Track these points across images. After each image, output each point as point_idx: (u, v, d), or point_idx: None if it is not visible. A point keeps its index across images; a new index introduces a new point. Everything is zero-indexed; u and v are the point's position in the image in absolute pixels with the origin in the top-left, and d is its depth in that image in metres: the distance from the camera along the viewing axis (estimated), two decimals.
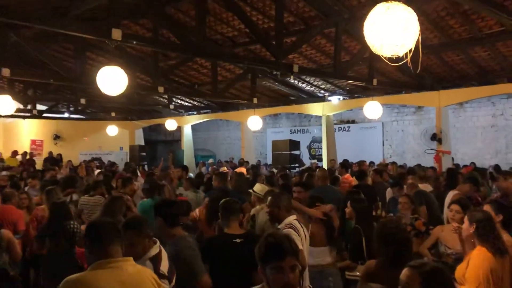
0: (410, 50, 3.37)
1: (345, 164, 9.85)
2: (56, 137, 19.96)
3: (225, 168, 12.53)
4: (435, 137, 11.74)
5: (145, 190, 6.60)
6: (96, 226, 2.64)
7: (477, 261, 3.34)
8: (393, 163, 12.84)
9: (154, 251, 3.08)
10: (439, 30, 8.97)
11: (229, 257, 3.73)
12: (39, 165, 16.19)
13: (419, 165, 11.04)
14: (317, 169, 8.44)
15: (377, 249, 3.19)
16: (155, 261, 3.01)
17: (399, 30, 3.23)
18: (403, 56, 3.38)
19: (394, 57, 3.41)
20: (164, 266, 3.05)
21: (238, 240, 3.81)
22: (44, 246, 5.02)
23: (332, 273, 4.44)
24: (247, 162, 14.61)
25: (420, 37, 3.35)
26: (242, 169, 11.35)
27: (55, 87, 15.06)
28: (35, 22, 5.48)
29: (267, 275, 2.20)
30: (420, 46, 3.40)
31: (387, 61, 3.46)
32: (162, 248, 3.21)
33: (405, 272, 2.23)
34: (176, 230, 3.64)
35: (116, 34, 5.61)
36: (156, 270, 2.91)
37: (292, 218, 4.01)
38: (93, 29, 5.94)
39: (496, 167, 11.82)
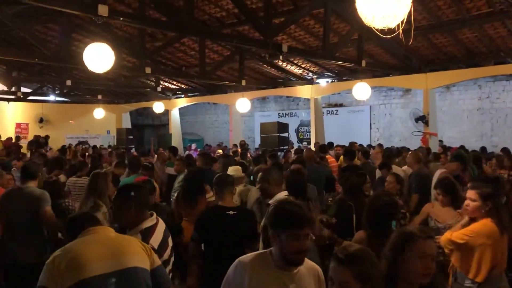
0: (402, 23, 3.36)
1: (322, 147, 9.78)
2: (42, 120, 19.69)
3: (220, 151, 12.53)
4: (422, 119, 11.83)
5: (129, 166, 6.60)
6: (76, 221, 2.68)
7: (481, 229, 3.34)
8: (380, 145, 12.92)
9: (147, 223, 3.03)
10: (428, 11, 8.97)
11: (222, 228, 3.75)
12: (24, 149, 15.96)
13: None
14: (304, 150, 8.49)
15: (371, 221, 3.21)
16: (146, 234, 2.96)
17: (391, 1, 3.22)
18: (394, 28, 3.38)
19: (385, 29, 3.40)
20: (155, 240, 2.99)
21: (231, 212, 3.83)
22: None
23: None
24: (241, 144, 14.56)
25: (412, 9, 3.34)
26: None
27: (40, 68, 14.85)
28: None
29: (281, 240, 2.24)
30: (412, 18, 3.39)
31: (378, 33, 3.45)
32: (160, 222, 3.16)
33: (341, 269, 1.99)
34: None
35: (103, 10, 5.50)
36: (145, 243, 2.88)
37: (282, 194, 4.01)
38: (79, 5, 5.81)
39: (483, 150, 12.00)
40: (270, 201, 3.91)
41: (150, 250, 2.62)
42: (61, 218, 4.96)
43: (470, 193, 3.46)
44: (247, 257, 2.40)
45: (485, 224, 3.37)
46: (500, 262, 3.39)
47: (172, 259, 3.17)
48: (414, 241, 2.19)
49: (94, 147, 15.41)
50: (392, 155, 9.14)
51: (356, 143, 11.93)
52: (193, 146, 16.80)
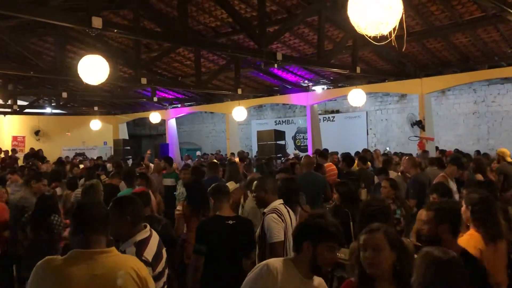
0: (394, 29, 3.37)
1: (323, 154, 9.74)
2: (38, 132, 19.66)
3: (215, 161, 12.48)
4: (418, 124, 11.86)
5: (125, 179, 6.55)
6: (84, 210, 2.52)
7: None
8: (377, 151, 12.93)
9: (141, 236, 3.01)
10: (421, 17, 9.04)
11: (222, 238, 3.75)
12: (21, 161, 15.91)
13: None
14: (303, 157, 8.46)
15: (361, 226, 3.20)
16: (140, 246, 2.94)
17: (383, 8, 3.23)
18: (387, 35, 3.39)
19: (378, 36, 3.41)
20: (149, 252, 2.96)
21: (230, 222, 3.83)
22: (27, 237, 4.99)
23: None
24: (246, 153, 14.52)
25: (403, 15, 3.35)
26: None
27: (35, 81, 14.84)
28: (14, 10, 5.34)
29: (316, 251, 2.37)
30: (404, 24, 3.40)
31: (371, 40, 3.46)
32: (154, 234, 3.14)
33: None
34: None
35: (97, 22, 5.50)
36: (139, 255, 2.84)
37: (278, 203, 3.97)
38: (73, 18, 5.83)
39: (477, 153, 12.05)
40: (265, 210, 3.90)
41: (146, 279, 2.52)
42: (47, 234, 4.99)
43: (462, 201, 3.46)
44: (276, 262, 2.47)
45: (469, 234, 3.22)
46: (497, 269, 3.14)
47: (167, 271, 3.14)
48: None
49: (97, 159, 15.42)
50: (390, 160, 9.10)
51: (369, 151, 11.85)
52: (198, 153, 16.83)
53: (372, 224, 2.44)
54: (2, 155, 16.44)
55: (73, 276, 2.27)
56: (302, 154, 13.97)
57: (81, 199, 4.86)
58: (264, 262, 2.50)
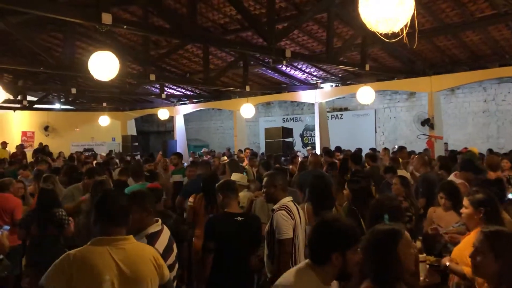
0: (406, 26, 3.34)
1: (328, 152, 9.70)
2: (47, 128, 19.80)
3: (225, 158, 12.47)
4: (427, 122, 11.78)
5: (133, 175, 6.58)
6: (108, 200, 2.63)
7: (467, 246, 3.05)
8: (385, 149, 12.86)
9: (153, 229, 3.11)
10: (431, 14, 8.97)
11: (231, 235, 3.76)
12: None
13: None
14: (310, 155, 8.43)
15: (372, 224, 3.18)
16: (151, 238, 3.04)
17: (394, 4, 3.20)
18: (398, 32, 3.36)
19: (389, 33, 3.39)
20: (161, 244, 3.05)
21: (239, 219, 3.84)
22: (29, 233, 5.01)
23: None
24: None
25: (415, 12, 3.32)
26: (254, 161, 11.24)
27: (45, 77, 14.93)
28: (24, 6, 5.37)
29: (347, 258, 2.28)
30: (416, 21, 3.37)
31: (383, 38, 3.43)
32: (165, 228, 3.23)
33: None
34: None
35: (106, 18, 5.52)
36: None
37: (287, 199, 3.95)
38: (83, 14, 5.84)
39: (490, 152, 11.92)
40: (274, 206, 3.90)
41: (162, 267, 2.64)
42: (56, 228, 5.00)
43: (465, 200, 3.36)
44: (289, 277, 2.35)
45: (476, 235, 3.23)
46: None
47: (177, 265, 3.21)
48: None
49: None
50: (397, 159, 9.04)
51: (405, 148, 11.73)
52: (203, 150, 16.81)
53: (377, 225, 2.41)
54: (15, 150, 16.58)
55: (95, 262, 2.37)
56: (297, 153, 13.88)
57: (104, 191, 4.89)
58: (280, 283, 2.36)
